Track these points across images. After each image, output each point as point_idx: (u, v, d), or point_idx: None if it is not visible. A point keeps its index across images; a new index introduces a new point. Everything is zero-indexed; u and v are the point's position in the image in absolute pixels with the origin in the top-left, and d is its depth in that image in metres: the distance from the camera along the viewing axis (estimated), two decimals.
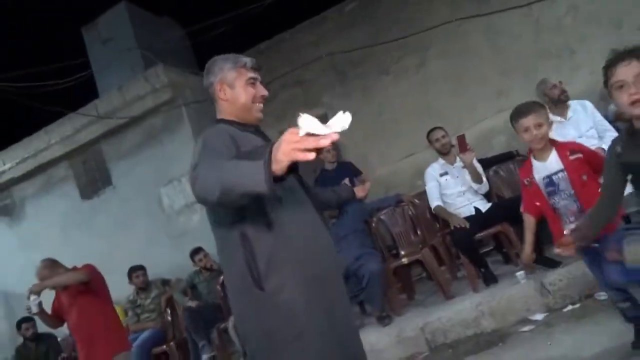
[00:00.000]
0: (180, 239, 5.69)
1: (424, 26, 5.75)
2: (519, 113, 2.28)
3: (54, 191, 6.59)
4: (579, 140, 2.89)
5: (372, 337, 3.78)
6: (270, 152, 1.20)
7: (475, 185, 3.86)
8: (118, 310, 4.21)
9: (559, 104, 3.86)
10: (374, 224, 4.54)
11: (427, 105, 5.94)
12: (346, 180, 3.53)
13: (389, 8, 6.14)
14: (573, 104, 3.87)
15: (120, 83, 6.16)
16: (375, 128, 6.13)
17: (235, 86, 1.73)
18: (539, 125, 2.17)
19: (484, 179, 3.90)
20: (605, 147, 2.54)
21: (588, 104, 3.84)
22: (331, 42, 6.25)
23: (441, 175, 4.13)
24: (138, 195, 6.05)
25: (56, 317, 3.67)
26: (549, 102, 3.83)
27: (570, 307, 3.11)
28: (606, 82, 1.63)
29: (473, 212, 3.88)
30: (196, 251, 5.38)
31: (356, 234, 4.41)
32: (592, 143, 3.39)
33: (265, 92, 1.78)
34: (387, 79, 6.16)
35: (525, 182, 2.30)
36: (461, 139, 3.74)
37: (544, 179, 2.23)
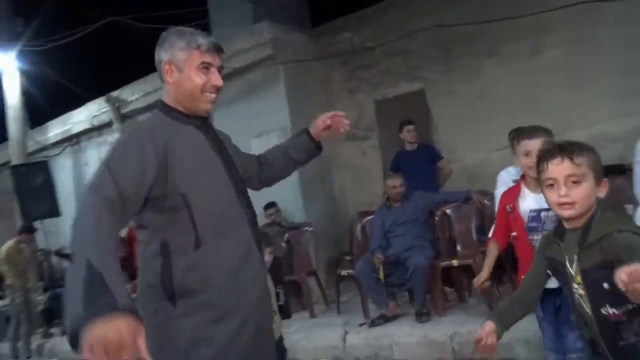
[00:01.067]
0: (257, 191, 6.03)
1: (546, 5, 5.12)
2: (523, 133, 2.07)
3: None
4: None
5: (404, 330, 3.79)
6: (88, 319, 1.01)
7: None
8: None
9: None
10: (437, 217, 4.40)
11: (534, 97, 5.38)
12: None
13: None
14: None
15: (230, 34, 6.46)
16: (472, 112, 5.75)
17: (184, 69, 1.50)
18: None
19: None
20: None
21: None
22: (440, 13, 5.84)
23: (514, 181, 3.81)
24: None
25: None
26: None
27: None
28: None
29: None
30: (269, 205, 5.70)
31: (415, 223, 4.33)
32: None
33: (219, 82, 1.54)
34: (492, 62, 5.66)
35: (508, 207, 2.11)
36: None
37: (531, 211, 2.01)
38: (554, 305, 2.04)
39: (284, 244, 5.41)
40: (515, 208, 2.10)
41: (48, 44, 7.41)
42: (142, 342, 1.04)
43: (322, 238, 5.89)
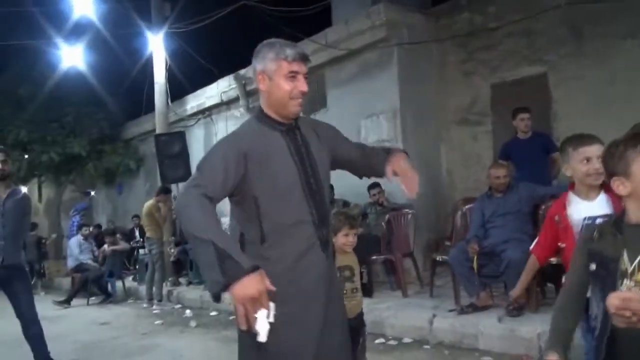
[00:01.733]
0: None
1: None
2: (581, 139, 1.95)
3: None
4: None
5: (491, 321, 3.76)
6: (233, 277, 1.40)
7: None
8: None
9: None
10: (541, 212, 4.19)
11: None
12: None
13: None
14: None
15: (349, 16, 6.63)
16: (601, 99, 5.26)
17: (274, 78, 1.67)
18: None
19: None
20: None
21: None
22: None
23: None
24: (343, 122, 6.64)
25: None
26: None
27: None
28: None
29: None
30: (373, 186, 5.84)
31: (517, 215, 4.20)
32: None
33: (304, 88, 1.69)
34: (632, 43, 5.08)
35: (555, 218, 1.99)
36: None
37: (585, 219, 1.88)
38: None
39: (383, 224, 5.55)
40: (564, 218, 1.99)
41: (189, 26, 8.27)
42: (269, 286, 1.43)
43: (423, 220, 5.92)
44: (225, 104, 9.03)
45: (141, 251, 8.62)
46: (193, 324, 5.52)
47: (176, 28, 8.30)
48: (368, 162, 1.95)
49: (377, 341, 4.09)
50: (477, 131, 6.36)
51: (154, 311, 6.60)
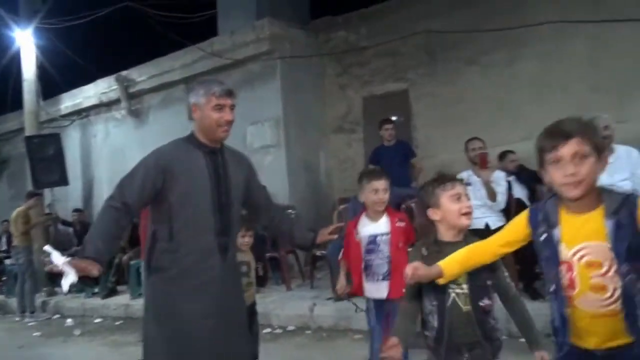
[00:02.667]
0: None
1: (525, 21, 5.56)
2: (373, 174, 2.65)
3: (171, 107, 7.78)
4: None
5: (361, 305, 4.34)
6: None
7: (489, 202, 4.04)
8: None
9: None
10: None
11: (508, 104, 5.88)
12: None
13: None
14: (619, 149, 3.70)
15: (234, 27, 6.94)
16: (450, 114, 6.23)
17: (204, 110, 2.03)
18: None
19: (500, 197, 4.04)
20: None
21: (634, 153, 3.69)
22: (430, 20, 6.29)
23: (465, 184, 4.33)
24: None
25: None
26: None
27: None
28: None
29: (482, 227, 4.09)
30: None
31: None
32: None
33: (230, 117, 2.06)
34: (473, 69, 6.13)
35: (355, 233, 2.60)
36: (483, 156, 3.90)
37: (369, 236, 2.52)
38: (384, 313, 2.55)
39: None
40: (356, 233, 2.67)
41: (63, 23, 7.90)
42: (94, 270, 1.85)
43: (305, 219, 6.44)
44: (105, 105, 8.75)
45: (7, 261, 8.01)
46: (77, 332, 5.40)
47: (49, 24, 7.88)
48: (276, 224, 2.42)
49: (265, 331, 4.49)
50: (351, 138, 7.09)
51: (29, 324, 6.27)
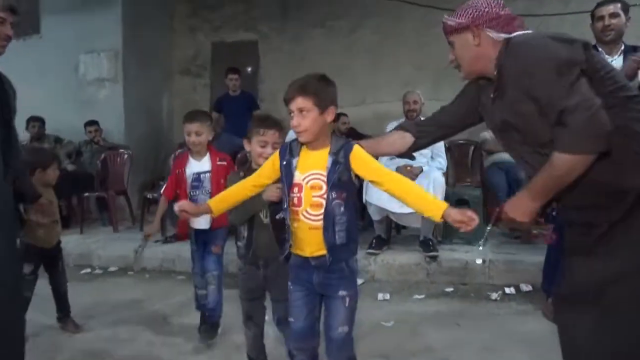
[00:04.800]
0: (83, 107, 6.09)
1: None
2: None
3: None
4: None
5: (187, 247, 4.47)
6: None
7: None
8: None
9: None
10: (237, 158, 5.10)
11: (346, 70, 6.30)
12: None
13: None
14: None
15: None
16: (294, 71, 6.27)
17: None
18: None
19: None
20: None
21: None
22: None
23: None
24: (59, 53, 6.30)
25: None
26: None
27: None
28: None
29: None
30: (90, 123, 5.85)
31: None
32: None
33: (8, 32, 1.99)
34: (320, 32, 6.43)
35: (177, 172, 2.80)
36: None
37: (194, 174, 2.77)
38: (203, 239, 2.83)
39: (99, 162, 5.68)
40: (182, 172, 2.75)
41: None
42: None
43: (141, 161, 6.26)
44: None
45: None
46: None
47: None
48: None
49: (82, 272, 4.39)
50: (197, 83, 6.96)
51: None
